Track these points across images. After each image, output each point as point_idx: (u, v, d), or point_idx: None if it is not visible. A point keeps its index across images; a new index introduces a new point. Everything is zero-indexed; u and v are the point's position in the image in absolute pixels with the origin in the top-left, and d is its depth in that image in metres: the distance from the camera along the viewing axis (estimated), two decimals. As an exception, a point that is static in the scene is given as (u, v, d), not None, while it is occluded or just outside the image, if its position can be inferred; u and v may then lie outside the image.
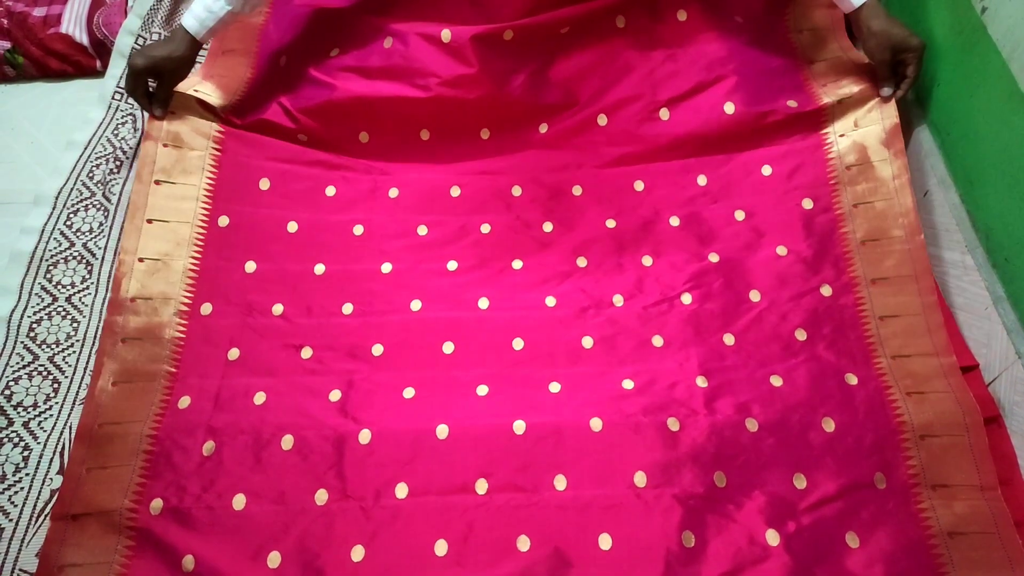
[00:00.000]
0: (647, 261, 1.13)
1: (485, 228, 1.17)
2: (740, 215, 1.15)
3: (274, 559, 0.88)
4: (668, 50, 1.23)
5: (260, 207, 1.16)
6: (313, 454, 0.95)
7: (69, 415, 1.03)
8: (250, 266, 1.11)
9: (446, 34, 1.19)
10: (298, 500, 0.92)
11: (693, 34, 1.24)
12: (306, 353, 1.04)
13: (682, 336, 1.05)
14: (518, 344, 1.05)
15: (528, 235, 1.16)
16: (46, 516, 0.95)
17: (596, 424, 0.95)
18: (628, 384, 1.00)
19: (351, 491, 0.92)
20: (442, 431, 0.95)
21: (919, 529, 0.89)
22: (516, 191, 1.20)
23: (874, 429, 0.95)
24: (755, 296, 1.08)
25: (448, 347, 1.05)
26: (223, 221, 1.14)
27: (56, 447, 1.01)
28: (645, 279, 1.11)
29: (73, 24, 1.46)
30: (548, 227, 1.17)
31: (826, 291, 1.07)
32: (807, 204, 1.13)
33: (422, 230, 1.16)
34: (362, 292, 1.10)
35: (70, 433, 1.01)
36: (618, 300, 1.09)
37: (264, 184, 1.18)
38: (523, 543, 0.89)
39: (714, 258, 1.11)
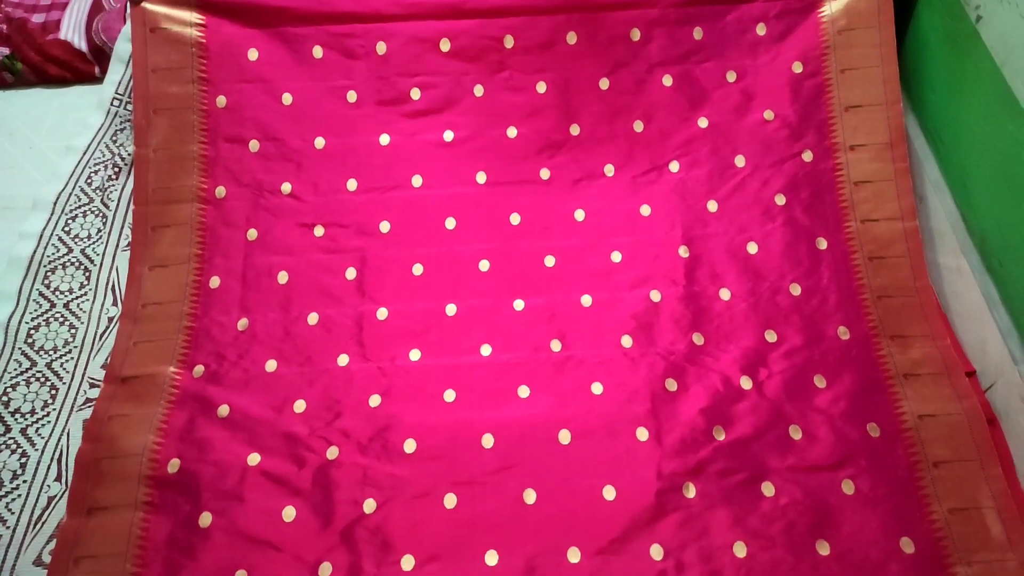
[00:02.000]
0: (638, 127, 1.18)
1: (478, 90, 1.19)
2: (731, 76, 1.18)
3: (300, 405, 1.01)
4: None
5: (252, 81, 1.19)
6: (336, 327, 1.07)
7: (67, 422, 1.03)
8: (254, 145, 1.17)
9: None
10: (322, 362, 1.04)
11: None
12: (319, 231, 1.13)
13: (668, 204, 1.13)
14: (515, 219, 1.14)
15: (522, 97, 1.19)
16: (43, 523, 0.94)
17: (586, 300, 1.08)
18: (616, 257, 1.11)
19: (370, 356, 1.05)
20: (450, 309, 1.08)
21: (879, 371, 1.00)
22: (508, 41, 1.19)
23: (837, 291, 1.06)
24: (740, 162, 1.14)
25: (450, 223, 1.14)
26: (221, 101, 1.19)
27: (54, 454, 1.00)
28: (635, 146, 1.17)
29: (72, 30, 1.46)
30: (542, 87, 1.19)
31: (807, 156, 1.14)
32: (797, 68, 1.17)
33: (415, 94, 1.19)
34: (363, 167, 1.16)
35: (68, 440, 1.01)
36: (609, 170, 1.16)
37: (252, 55, 1.20)
38: (523, 391, 1.01)
39: (703, 123, 1.16)
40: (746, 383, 1.00)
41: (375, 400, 1.01)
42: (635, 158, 1.16)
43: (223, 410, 1.00)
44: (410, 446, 0.97)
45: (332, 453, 0.97)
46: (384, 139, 1.17)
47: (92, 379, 1.06)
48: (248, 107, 1.19)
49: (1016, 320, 0.96)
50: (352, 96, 1.19)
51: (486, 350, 1.05)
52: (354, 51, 1.21)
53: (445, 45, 1.20)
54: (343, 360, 1.04)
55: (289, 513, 0.93)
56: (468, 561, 0.89)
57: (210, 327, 1.07)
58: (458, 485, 0.94)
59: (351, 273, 1.11)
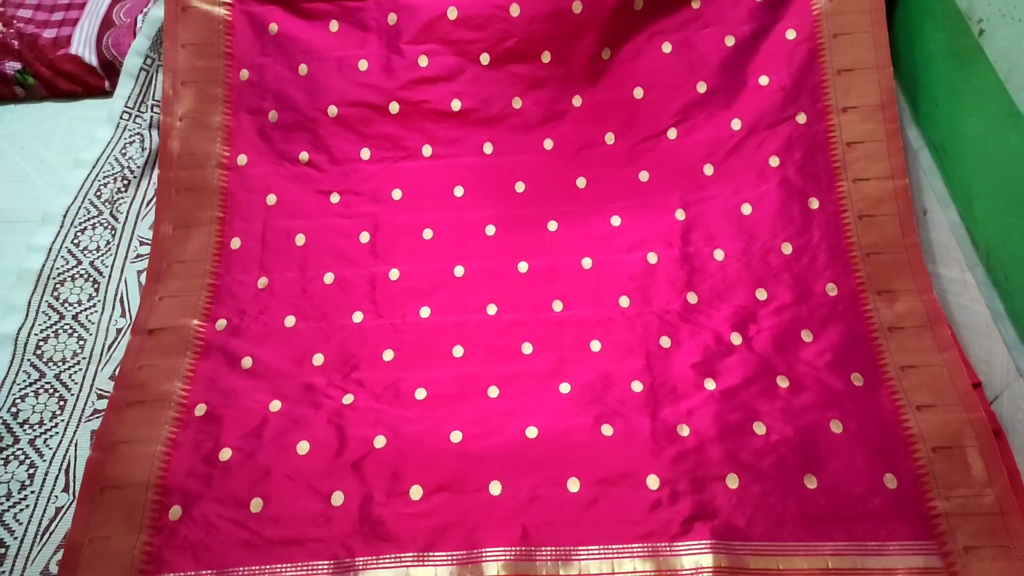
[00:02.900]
0: (638, 94, 1.22)
1: (484, 59, 1.23)
2: (730, 40, 1.22)
3: (318, 359, 1.07)
4: None
5: (272, 55, 1.27)
6: (350, 287, 1.13)
7: (75, 433, 1.03)
8: (273, 115, 1.24)
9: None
10: (338, 319, 1.11)
11: None
12: (334, 198, 1.20)
13: (666, 170, 1.18)
14: (520, 187, 1.19)
15: (528, 67, 1.23)
16: (51, 534, 0.95)
17: (587, 263, 1.14)
18: (615, 221, 1.16)
19: (382, 313, 1.11)
20: (458, 271, 1.14)
21: (864, 325, 1.05)
22: (514, 10, 1.23)
23: (827, 249, 1.10)
24: (736, 125, 1.18)
25: (458, 191, 1.20)
26: (244, 75, 1.27)
27: (62, 465, 1.01)
28: (636, 113, 1.21)
29: (83, 45, 1.48)
30: (546, 57, 1.23)
31: (801, 119, 1.18)
32: (790, 34, 1.21)
33: (423, 61, 1.24)
34: (376, 136, 1.22)
35: (76, 451, 1.02)
36: (609, 138, 1.20)
37: (273, 29, 1.28)
38: (526, 348, 1.07)
39: (701, 88, 1.20)
40: (736, 339, 1.05)
41: (388, 354, 1.07)
42: (635, 125, 1.21)
43: (246, 362, 1.07)
44: (420, 394, 1.03)
45: (348, 399, 1.03)
46: (393, 107, 1.23)
47: (100, 390, 1.07)
48: (268, 80, 1.26)
49: (1021, 333, 0.95)
50: (363, 65, 1.25)
51: (492, 309, 1.11)
52: (367, 23, 1.27)
53: (452, 13, 1.24)
54: (358, 317, 1.11)
55: (303, 447, 0.98)
56: (473, 491, 0.94)
57: (231, 284, 1.14)
58: (464, 423, 0.99)
59: (365, 237, 1.17)
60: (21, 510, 0.97)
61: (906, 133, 1.20)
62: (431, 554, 0.90)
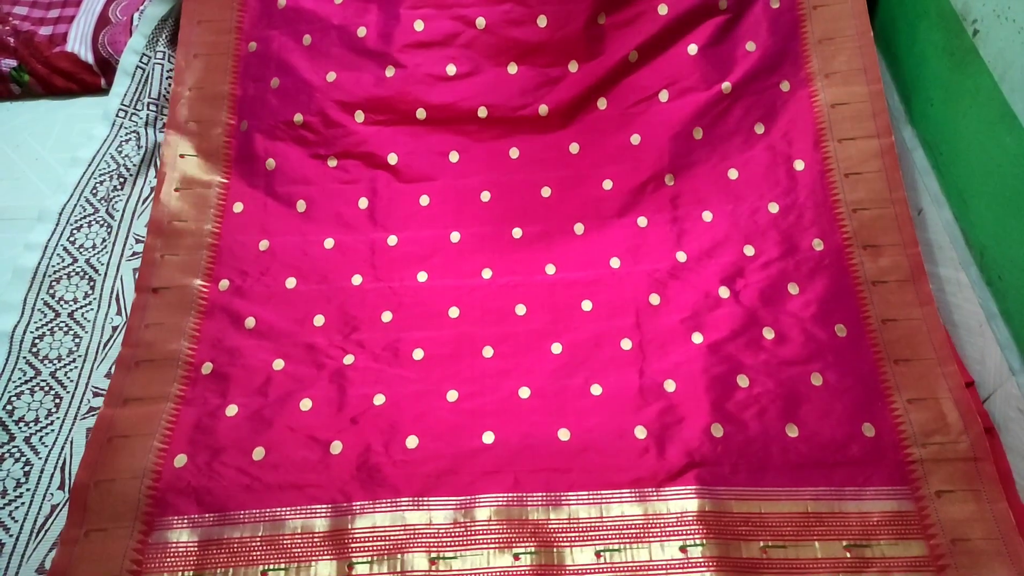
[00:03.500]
0: (633, 57, 1.24)
1: (480, 23, 1.26)
2: (723, 4, 1.25)
3: (319, 320, 1.11)
4: None
5: (279, 26, 1.31)
6: (350, 251, 1.17)
7: (71, 430, 1.04)
8: (275, 83, 1.28)
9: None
10: (338, 281, 1.14)
11: None
12: (332, 163, 1.23)
13: (657, 133, 1.20)
14: (514, 153, 1.23)
15: (524, 31, 1.25)
16: (46, 531, 0.95)
17: (579, 228, 1.17)
18: (607, 185, 1.19)
19: (381, 276, 1.14)
20: (454, 236, 1.17)
21: (849, 279, 1.08)
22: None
23: (814, 207, 1.13)
24: (726, 88, 1.21)
25: (454, 156, 1.23)
26: (251, 47, 1.31)
27: (57, 462, 1.01)
28: (629, 78, 1.24)
29: (79, 43, 1.48)
30: (542, 21, 1.25)
31: (784, 86, 1.22)
32: (774, 3, 1.25)
33: (418, 25, 1.26)
34: (371, 99, 1.24)
35: (71, 448, 1.02)
36: (602, 103, 1.23)
37: (282, 2, 1.33)
38: (520, 309, 1.10)
39: (692, 50, 1.23)
40: (724, 292, 1.08)
41: (387, 316, 1.11)
42: (627, 90, 1.24)
43: (250, 322, 1.10)
44: (418, 354, 1.07)
45: (348, 360, 1.07)
46: (389, 71, 1.25)
47: (96, 388, 1.07)
48: (273, 50, 1.30)
49: (1015, 332, 0.96)
50: (362, 31, 1.28)
51: (487, 273, 1.14)
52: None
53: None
54: (357, 280, 1.14)
55: (306, 404, 1.02)
56: (467, 440, 0.97)
57: (232, 246, 1.17)
58: (460, 383, 1.03)
59: (363, 203, 1.21)
60: (17, 508, 0.97)
61: (901, 133, 1.21)
62: (426, 499, 0.94)
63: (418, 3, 1.27)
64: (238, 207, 1.21)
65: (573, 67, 1.24)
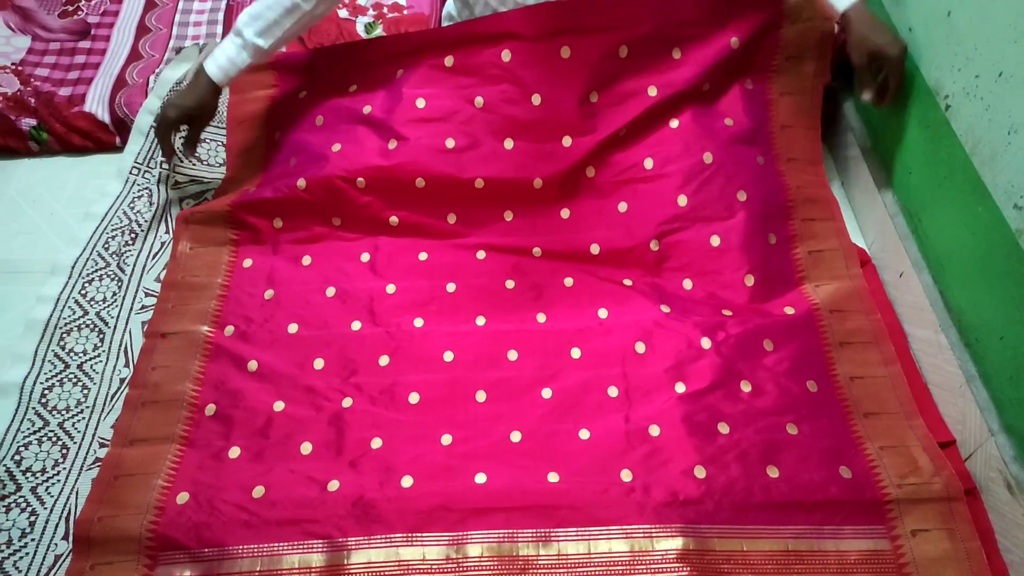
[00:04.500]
0: (622, 132, 1.30)
1: (479, 101, 1.31)
2: (706, 86, 1.32)
3: (319, 363, 1.15)
4: None
5: (299, 112, 1.40)
6: (350, 299, 1.23)
7: (76, 481, 1.06)
8: (292, 161, 1.36)
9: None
10: (338, 326, 1.19)
11: None
12: (336, 222, 1.31)
13: (642, 199, 1.28)
14: (508, 216, 1.30)
15: (519, 108, 1.30)
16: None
17: (568, 282, 1.25)
18: (595, 249, 1.27)
19: (379, 322, 1.20)
20: (450, 287, 1.24)
21: (819, 339, 1.16)
22: (505, 55, 1.30)
23: (783, 282, 1.24)
24: (708, 159, 1.28)
25: (451, 218, 1.31)
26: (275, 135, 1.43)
27: (62, 513, 1.03)
28: (616, 150, 1.31)
29: (96, 103, 1.54)
30: (536, 99, 1.30)
31: (760, 160, 1.30)
32: (748, 85, 1.35)
33: (420, 103, 1.32)
34: (370, 168, 1.29)
35: (76, 499, 1.04)
36: (590, 172, 1.31)
37: (302, 94, 1.43)
38: (512, 355, 1.16)
39: (674, 124, 1.31)
40: (706, 343, 1.14)
41: (384, 360, 1.15)
42: (616, 161, 1.31)
43: (252, 365, 1.15)
44: (414, 398, 1.11)
45: (347, 403, 1.11)
46: (392, 144, 1.31)
47: (102, 439, 1.10)
48: (290, 129, 1.41)
49: (993, 395, 0.99)
50: (367, 109, 1.35)
51: (480, 320, 1.21)
52: (379, 78, 1.38)
53: (448, 61, 1.34)
54: (356, 325, 1.19)
55: (306, 447, 1.06)
56: (460, 480, 1.02)
57: (240, 296, 1.24)
58: (454, 427, 1.08)
59: (365, 257, 1.29)
60: (21, 558, 0.99)
61: (883, 199, 1.26)
62: (419, 535, 0.97)
63: (421, 83, 1.34)
64: (247, 263, 1.29)
65: (567, 142, 1.30)
